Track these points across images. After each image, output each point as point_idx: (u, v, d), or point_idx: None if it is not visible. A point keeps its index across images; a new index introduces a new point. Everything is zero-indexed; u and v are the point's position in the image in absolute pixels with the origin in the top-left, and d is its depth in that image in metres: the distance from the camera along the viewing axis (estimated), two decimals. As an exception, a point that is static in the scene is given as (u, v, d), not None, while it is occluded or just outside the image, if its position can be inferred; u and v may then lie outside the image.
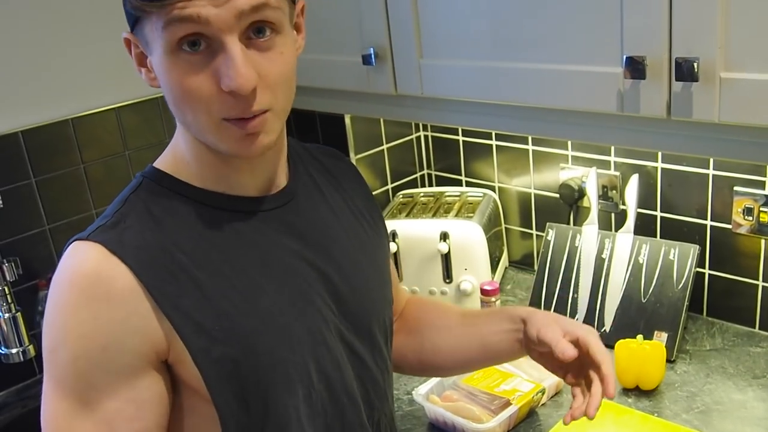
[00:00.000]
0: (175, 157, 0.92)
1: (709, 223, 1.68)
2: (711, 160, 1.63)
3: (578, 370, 1.07)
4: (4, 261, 1.64)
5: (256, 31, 0.81)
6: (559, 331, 1.02)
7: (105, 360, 0.82)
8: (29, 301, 1.75)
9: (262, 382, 0.87)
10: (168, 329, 0.83)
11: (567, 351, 0.99)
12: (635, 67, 1.13)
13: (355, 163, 2.05)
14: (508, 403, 1.48)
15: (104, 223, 0.86)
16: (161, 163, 0.93)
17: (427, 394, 1.53)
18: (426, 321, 1.21)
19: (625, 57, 1.14)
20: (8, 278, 1.65)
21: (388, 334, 1.07)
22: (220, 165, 0.90)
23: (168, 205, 0.89)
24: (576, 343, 1.02)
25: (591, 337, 1.03)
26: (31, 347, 1.68)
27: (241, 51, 0.79)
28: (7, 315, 1.65)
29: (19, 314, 1.66)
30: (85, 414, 0.82)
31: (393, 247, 1.90)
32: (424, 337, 1.19)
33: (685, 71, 1.07)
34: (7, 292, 1.65)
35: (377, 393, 1.03)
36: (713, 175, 1.63)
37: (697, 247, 1.64)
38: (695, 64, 1.06)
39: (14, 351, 1.67)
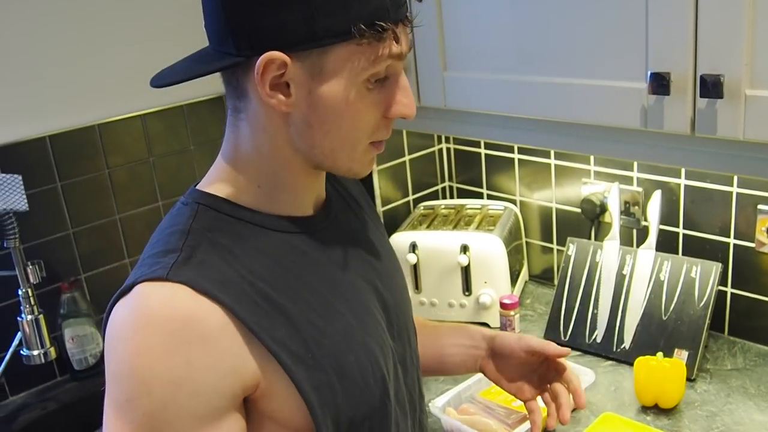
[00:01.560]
0: (237, 181, 0.88)
1: (732, 241, 1.66)
2: (735, 178, 1.62)
3: (537, 385, 1.20)
4: (28, 264, 1.65)
5: None
6: (552, 347, 1.17)
7: (194, 405, 0.77)
8: (52, 304, 1.77)
9: (353, 403, 0.87)
10: (263, 362, 0.81)
11: (562, 349, 1.15)
12: (660, 83, 1.12)
13: (377, 174, 2.06)
14: (525, 418, 1.47)
15: (177, 260, 0.80)
16: (212, 187, 0.89)
17: (443, 406, 1.53)
18: None
19: (649, 72, 1.14)
20: (32, 281, 1.66)
21: (416, 335, 1.09)
22: (294, 185, 0.89)
23: (233, 233, 0.85)
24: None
25: (562, 360, 1.18)
26: (52, 349, 1.69)
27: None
28: (29, 317, 1.66)
29: (41, 317, 1.67)
30: None
31: (413, 258, 1.90)
32: None
33: (710, 88, 1.07)
34: (30, 294, 1.66)
35: (419, 393, 1.06)
36: (737, 193, 1.62)
37: (720, 265, 1.62)
38: (720, 81, 1.06)
39: (36, 353, 1.68)
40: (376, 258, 1.01)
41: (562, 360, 1.18)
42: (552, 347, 1.16)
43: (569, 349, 1.16)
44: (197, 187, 0.90)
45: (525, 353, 1.17)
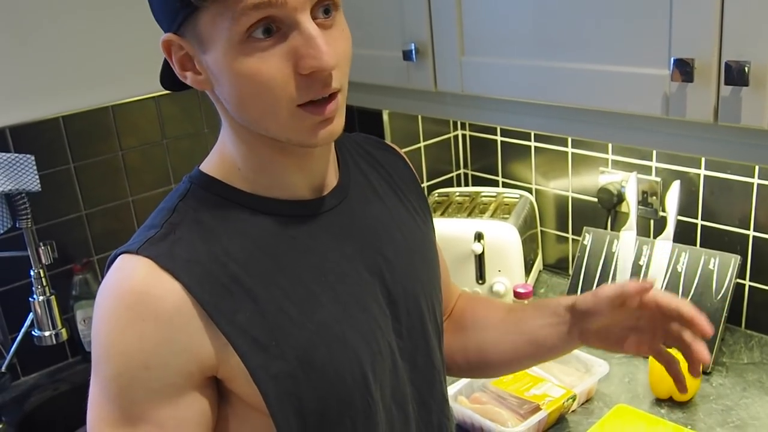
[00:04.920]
0: (224, 161, 0.88)
1: (751, 233, 1.64)
2: (756, 168, 1.59)
3: (649, 333, 1.00)
4: (41, 244, 1.65)
5: (321, 10, 0.78)
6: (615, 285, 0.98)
7: (147, 379, 0.79)
8: (64, 285, 1.77)
9: (321, 396, 0.85)
10: (220, 346, 0.80)
11: (641, 284, 0.94)
12: (683, 70, 1.10)
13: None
14: (537, 408, 1.46)
15: (153, 235, 0.82)
16: (208, 167, 0.89)
17: (455, 395, 1.52)
18: (472, 319, 1.17)
19: (672, 59, 1.11)
20: (44, 261, 1.66)
21: (440, 333, 1.04)
22: (272, 165, 0.86)
23: (219, 213, 0.85)
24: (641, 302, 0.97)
25: (653, 291, 0.96)
26: (63, 331, 1.70)
27: (317, 30, 0.76)
28: (41, 298, 1.67)
29: (53, 297, 1.68)
30: (125, 426, 0.81)
31: (426, 245, 1.88)
32: (469, 336, 1.16)
33: (735, 75, 1.04)
34: (42, 275, 1.66)
35: (434, 395, 1.00)
36: (758, 184, 1.59)
37: (738, 257, 1.60)
38: (746, 68, 1.03)
39: (47, 334, 1.68)
40: (396, 249, 0.96)
41: (661, 298, 0.96)
42: (629, 286, 0.96)
43: (653, 281, 0.95)
44: (198, 167, 0.90)
45: (607, 307, 0.99)
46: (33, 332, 1.69)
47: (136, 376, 0.79)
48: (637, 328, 1.01)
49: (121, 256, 0.82)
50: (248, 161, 0.86)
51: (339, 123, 0.82)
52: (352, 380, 0.86)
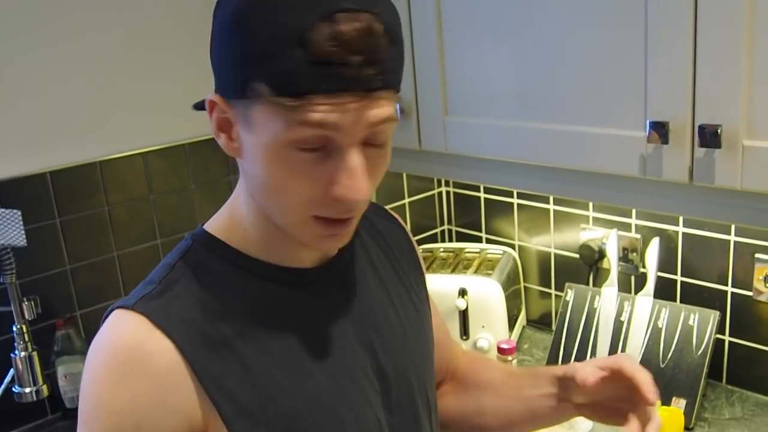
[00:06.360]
0: (232, 223, 0.88)
1: (729, 289, 1.66)
2: (733, 226, 1.62)
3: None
4: (24, 300, 1.64)
5: (371, 140, 0.77)
6: (590, 367, 0.97)
7: None
8: (46, 341, 1.76)
9: None
10: (208, 409, 0.80)
11: (586, 376, 0.95)
12: (658, 132, 1.13)
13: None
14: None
15: (150, 291, 0.82)
16: (214, 226, 0.89)
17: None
18: (473, 381, 1.17)
19: (648, 121, 1.15)
20: (27, 317, 1.65)
21: (432, 409, 1.03)
22: (282, 240, 0.86)
23: (217, 275, 0.85)
24: (618, 374, 0.95)
25: (622, 360, 0.96)
26: (44, 387, 1.68)
27: (361, 162, 0.75)
28: (23, 354, 1.65)
29: (35, 353, 1.66)
30: None
31: (410, 301, 1.89)
32: (470, 397, 1.15)
33: (708, 137, 1.08)
34: (24, 330, 1.65)
35: None
36: (735, 242, 1.62)
37: (718, 313, 1.62)
38: (718, 131, 1.07)
39: (28, 390, 1.66)
40: (389, 325, 0.96)
41: (623, 362, 0.96)
42: (579, 373, 0.97)
43: (592, 377, 0.95)
44: (203, 225, 0.90)
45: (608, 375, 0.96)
46: (13, 389, 1.66)
47: None
48: (629, 399, 0.96)
49: (115, 311, 0.82)
50: (258, 228, 0.86)
51: (347, 238, 0.83)
52: None
